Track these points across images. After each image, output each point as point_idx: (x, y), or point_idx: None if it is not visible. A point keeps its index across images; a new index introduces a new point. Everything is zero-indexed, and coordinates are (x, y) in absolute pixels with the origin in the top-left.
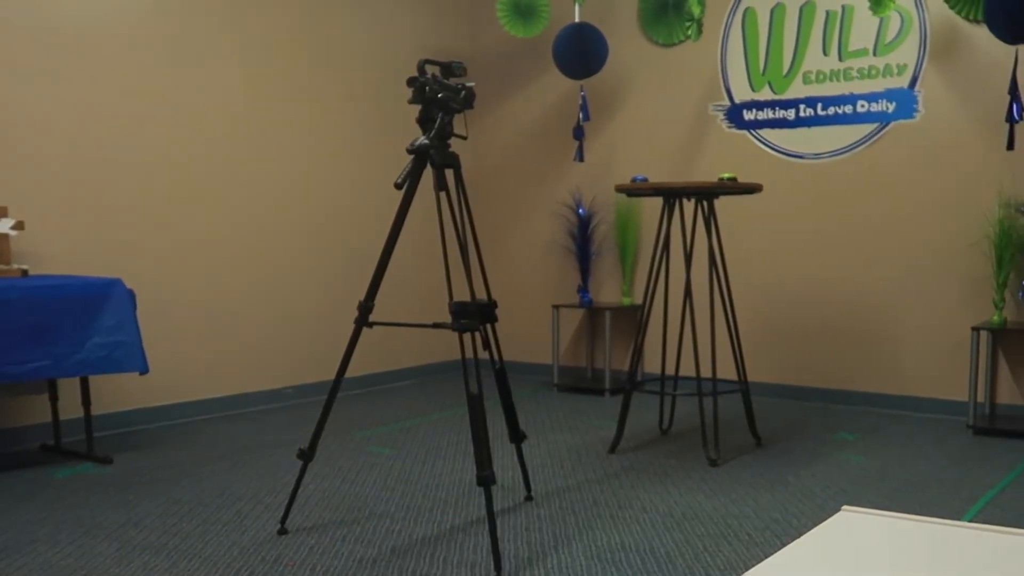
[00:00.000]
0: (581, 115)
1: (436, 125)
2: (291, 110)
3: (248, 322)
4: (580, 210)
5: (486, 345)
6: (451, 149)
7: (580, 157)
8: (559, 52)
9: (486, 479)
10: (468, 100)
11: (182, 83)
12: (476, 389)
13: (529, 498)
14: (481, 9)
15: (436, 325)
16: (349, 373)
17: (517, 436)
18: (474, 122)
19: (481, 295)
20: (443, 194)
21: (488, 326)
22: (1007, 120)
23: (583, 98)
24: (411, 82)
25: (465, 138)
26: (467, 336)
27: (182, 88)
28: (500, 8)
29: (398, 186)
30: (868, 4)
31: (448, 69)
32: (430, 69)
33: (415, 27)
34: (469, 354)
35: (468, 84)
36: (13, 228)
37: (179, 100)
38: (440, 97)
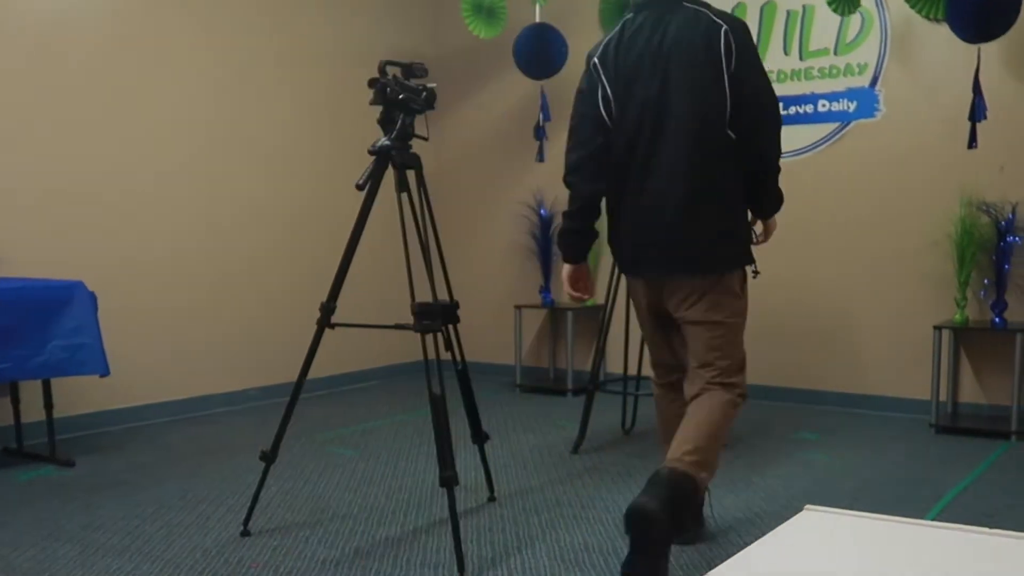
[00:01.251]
0: (542, 115)
1: (397, 126)
2: (251, 111)
3: (210, 324)
4: (542, 211)
5: (448, 346)
6: (412, 150)
7: (541, 157)
8: (519, 52)
9: (449, 480)
10: (429, 101)
11: (143, 85)
12: (438, 390)
13: (492, 499)
14: (442, 10)
15: (398, 326)
16: (312, 374)
17: (480, 437)
18: (436, 123)
19: (443, 296)
20: (404, 195)
21: (450, 327)
22: (970, 119)
23: (543, 98)
24: (372, 83)
25: (426, 139)
26: (429, 337)
27: (142, 90)
28: (464, 8)
29: (359, 187)
30: (830, 4)
31: (409, 70)
32: (391, 70)
33: (376, 28)
34: (431, 355)
35: (430, 85)
36: None
37: (139, 102)
38: (401, 98)
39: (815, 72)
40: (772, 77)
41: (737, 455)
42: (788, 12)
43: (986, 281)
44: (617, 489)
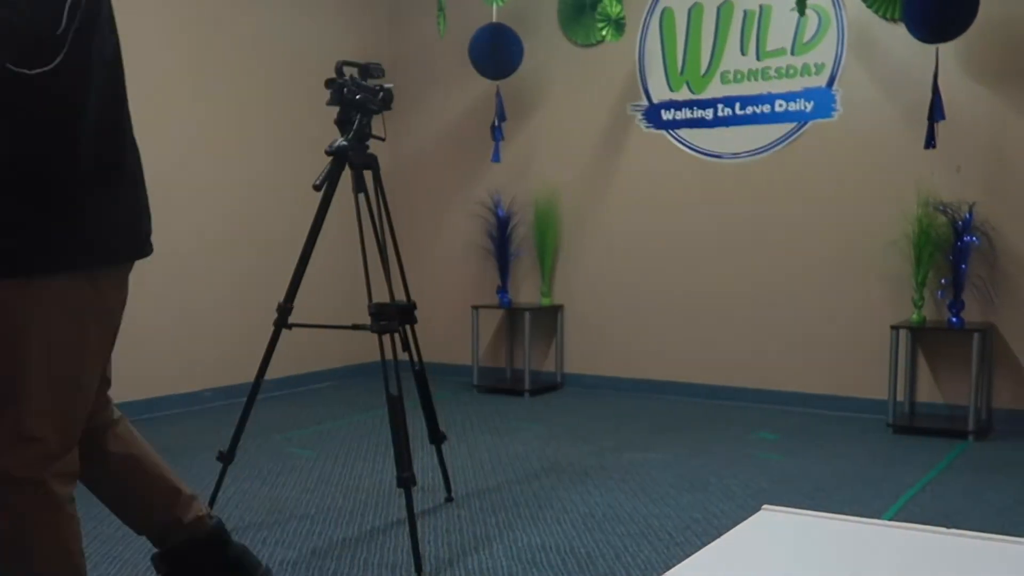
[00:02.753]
0: (497, 116)
1: (354, 127)
2: (206, 109)
3: (166, 325)
4: (499, 211)
5: (405, 346)
6: (370, 150)
7: (496, 158)
8: (475, 52)
9: (406, 481)
10: (386, 101)
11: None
12: (396, 391)
13: (449, 499)
14: (399, 10)
15: (355, 327)
16: (269, 375)
17: (437, 437)
18: (393, 123)
19: (400, 296)
20: (361, 195)
21: (407, 327)
22: (929, 119)
23: (499, 98)
24: (329, 83)
25: (383, 139)
26: (386, 337)
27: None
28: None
29: (316, 188)
30: (792, 5)
31: (366, 70)
32: (348, 70)
33: (333, 27)
34: (389, 356)
35: (387, 85)
36: None
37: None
38: (358, 99)
39: (772, 72)
40: (729, 77)
41: (694, 455)
42: (745, 12)
43: (943, 281)
44: (575, 489)
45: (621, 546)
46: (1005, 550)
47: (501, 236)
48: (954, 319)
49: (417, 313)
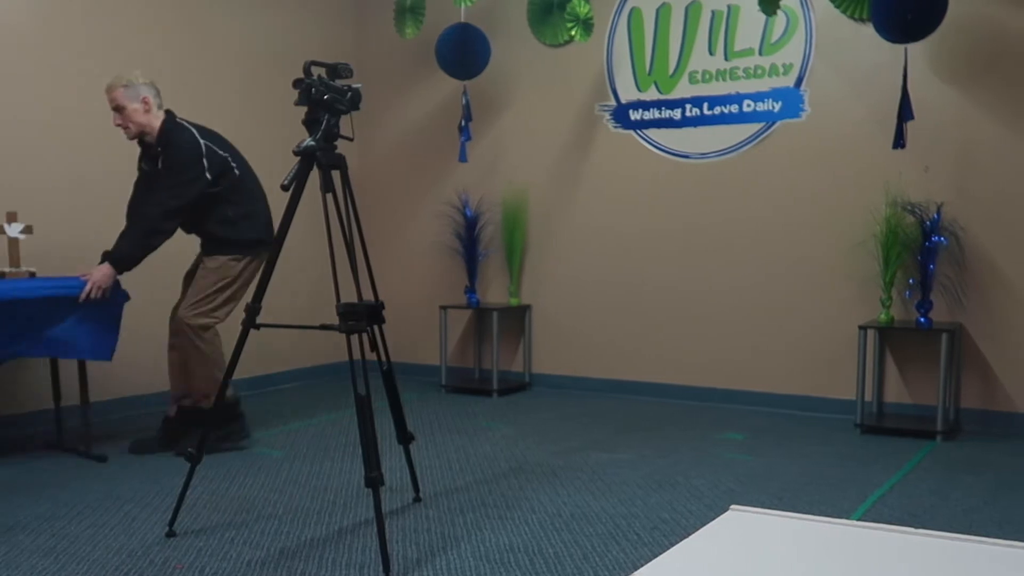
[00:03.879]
0: (464, 116)
1: (322, 127)
2: (177, 110)
3: (132, 326)
4: (467, 211)
5: (373, 347)
6: (338, 151)
7: (463, 157)
8: (441, 53)
9: (374, 481)
10: (354, 102)
11: (56, 80)
12: (364, 391)
13: (417, 499)
14: (367, 9)
15: (324, 327)
16: (237, 375)
17: (405, 437)
18: (360, 123)
19: (368, 296)
20: (330, 195)
21: (376, 327)
22: (899, 119)
23: (465, 98)
24: (297, 84)
25: (351, 139)
26: (354, 337)
27: (57, 85)
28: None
29: (284, 188)
30: (758, 5)
31: (334, 71)
32: (316, 71)
33: (300, 28)
34: (357, 356)
35: (355, 86)
36: (23, 232)
37: (52, 97)
38: (326, 99)
39: (740, 72)
40: (697, 77)
41: (662, 455)
42: (713, 12)
43: (911, 281)
44: (543, 489)
45: (589, 546)
46: (972, 550)
47: (469, 236)
48: (922, 319)
49: (385, 313)
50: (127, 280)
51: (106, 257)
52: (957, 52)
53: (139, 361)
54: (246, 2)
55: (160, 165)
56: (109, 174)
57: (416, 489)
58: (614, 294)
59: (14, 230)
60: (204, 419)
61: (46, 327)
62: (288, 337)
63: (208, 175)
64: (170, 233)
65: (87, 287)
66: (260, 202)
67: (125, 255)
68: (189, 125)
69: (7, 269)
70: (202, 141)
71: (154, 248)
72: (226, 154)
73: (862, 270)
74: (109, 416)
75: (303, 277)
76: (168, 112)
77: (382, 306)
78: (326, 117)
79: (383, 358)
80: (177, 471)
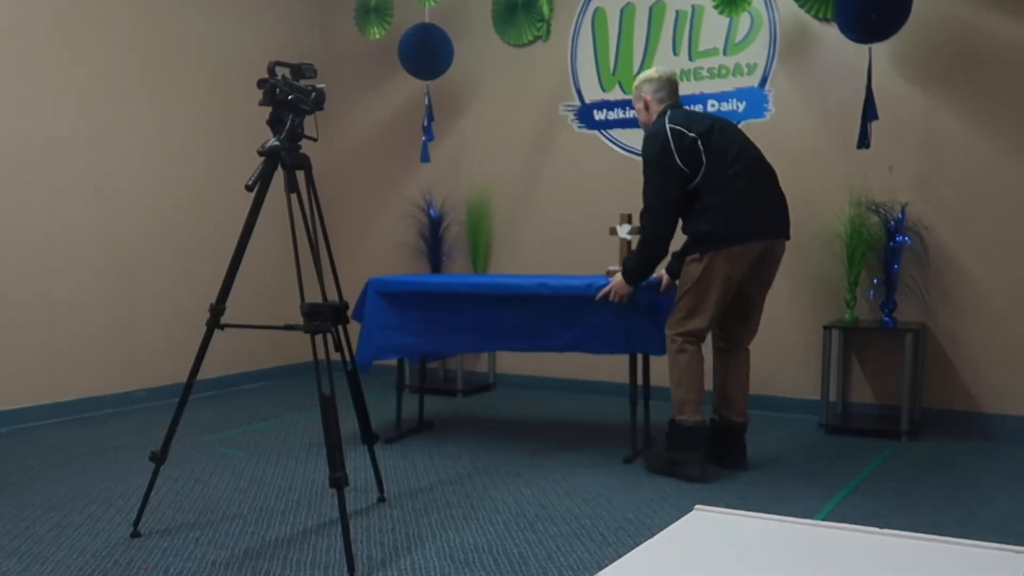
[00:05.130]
0: (427, 116)
1: (287, 127)
2: (139, 110)
3: (98, 324)
4: (431, 211)
5: (338, 347)
6: (302, 151)
7: (425, 158)
8: (404, 53)
9: (338, 481)
10: (319, 102)
11: (27, 79)
12: (328, 391)
13: (382, 499)
14: (331, 10)
15: (288, 327)
16: (201, 375)
17: (369, 437)
18: (325, 123)
19: (333, 297)
20: (294, 195)
21: (340, 328)
22: (864, 119)
23: (428, 98)
24: (261, 84)
25: (316, 139)
26: (319, 338)
27: (27, 84)
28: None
29: (249, 188)
30: (716, 5)
31: (298, 71)
32: (280, 71)
33: (265, 27)
34: (321, 356)
35: (319, 86)
36: (631, 233)
37: (23, 95)
38: (291, 99)
39: (704, 72)
40: None
41: (626, 455)
42: (677, 12)
43: (876, 281)
44: (507, 490)
45: (554, 546)
46: (936, 549)
47: (433, 236)
48: (887, 319)
49: (349, 313)
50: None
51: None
52: (921, 52)
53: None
54: (210, 2)
55: None
56: None
57: (381, 489)
58: None
59: (624, 231)
60: (677, 435)
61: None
62: (252, 337)
63: (679, 162)
64: (664, 236)
65: (606, 288)
66: (739, 190)
67: (629, 268)
68: (671, 111)
69: (614, 268)
70: (668, 126)
71: (657, 257)
72: (695, 135)
73: (826, 270)
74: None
75: (268, 277)
76: (668, 107)
77: (346, 306)
78: (290, 117)
79: (347, 358)
80: (141, 472)
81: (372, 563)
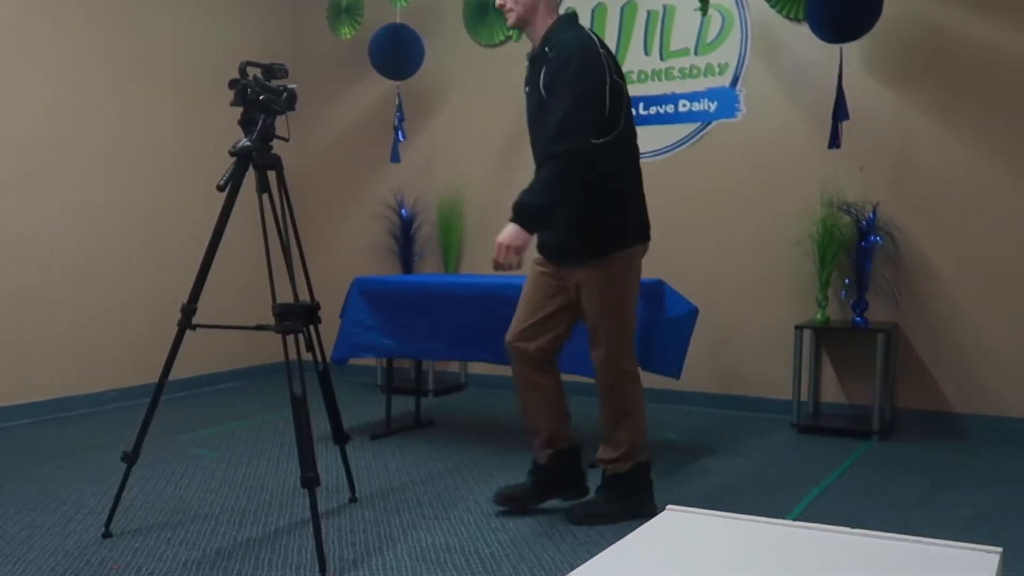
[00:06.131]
0: (397, 116)
1: (258, 127)
2: (109, 110)
3: (70, 324)
4: (403, 211)
5: (309, 347)
6: (273, 151)
7: (396, 158)
8: (375, 53)
9: (310, 481)
10: (290, 102)
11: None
12: (300, 391)
13: (354, 499)
14: (302, 10)
15: (260, 327)
16: (173, 375)
17: (341, 438)
18: (296, 124)
19: (305, 297)
20: (265, 196)
21: (311, 328)
22: (834, 119)
23: (399, 98)
24: (233, 84)
25: (287, 139)
26: (290, 338)
27: None
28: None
29: (220, 188)
30: (697, 5)
31: (270, 71)
32: (251, 71)
33: (236, 28)
34: (293, 356)
35: (290, 86)
36: None
37: None
38: (262, 99)
39: (676, 72)
40: (632, 78)
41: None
42: (648, 12)
43: (847, 281)
44: (479, 489)
45: (526, 546)
46: (908, 549)
47: (405, 237)
48: (858, 319)
49: (322, 314)
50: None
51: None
52: (892, 52)
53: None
54: (180, 2)
55: (545, 75)
56: None
57: (352, 489)
58: None
59: None
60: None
61: None
62: (225, 337)
63: (608, 96)
64: (586, 150)
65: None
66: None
67: (527, 203)
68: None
69: None
70: (597, 41)
71: (571, 183)
72: (620, 78)
73: (798, 270)
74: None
75: (240, 277)
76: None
77: (318, 306)
78: (262, 117)
79: (319, 358)
80: (113, 472)
81: (344, 563)
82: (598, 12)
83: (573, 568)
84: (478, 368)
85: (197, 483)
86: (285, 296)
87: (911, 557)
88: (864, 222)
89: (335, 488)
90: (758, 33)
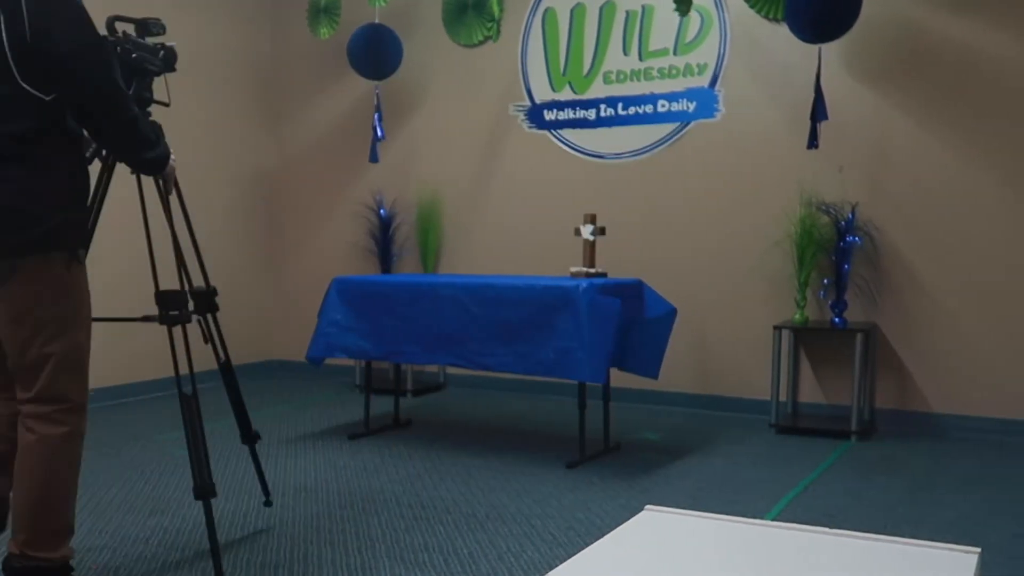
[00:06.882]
0: (376, 116)
1: (131, 91)
2: None
3: None
4: (381, 211)
5: (207, 339)
6: (152, 118)
7: (374, 158)
8: (353, 53)
9: (205, 491)
10: (168, 62)
11: None
12: (190, 390)
13: (268, 503)
14: (281, 10)
15: (145, 318)
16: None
17: (250, 436)
18: (276, 123)
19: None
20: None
21: (209, 317)
22: (812, 119)
23: (377, 98)
24: None
25: (167, 104)
26: (178, 330)
27: None
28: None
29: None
30: (674, 6)
31: (144, 27)
32: (121, 27)
33: (216, 28)
34: (181, 349)
35: (168, 44)
36: (594, 234)
37: None
38: (134, 58)
39: (655, 72)
40: (612, 77)
41: (577, 455)
42: (627, 12)
43: (826, 281)
44: (457, 489)
45: (504, 546)
46: (887, 549)
47: (384, 236)
48: (837, 319)
49: (302, 313)
50: None
51: None
52: (871, 52)
53: None
54: (159, 2)
55: None
56: None
57: (266, 492)
58: None
59: (587, 231)
60: None
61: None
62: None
63: None
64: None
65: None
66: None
67: (156, 156)
68: None
69: (576, 268)
70: None
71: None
72: None
73: (777, 270)
74: None
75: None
76: None
77: (215, 292)
78: (135, 80)
79: (219, 351)
80: (89, 470)
81: (322, 563)
82: (577, 12)
83: (552, 568)
84: (457, 368)
85: (176, 483)
86: (170, 281)
87: (890, 557)
88: (843, 222)
89: (314, 488)
90: (737, 33)
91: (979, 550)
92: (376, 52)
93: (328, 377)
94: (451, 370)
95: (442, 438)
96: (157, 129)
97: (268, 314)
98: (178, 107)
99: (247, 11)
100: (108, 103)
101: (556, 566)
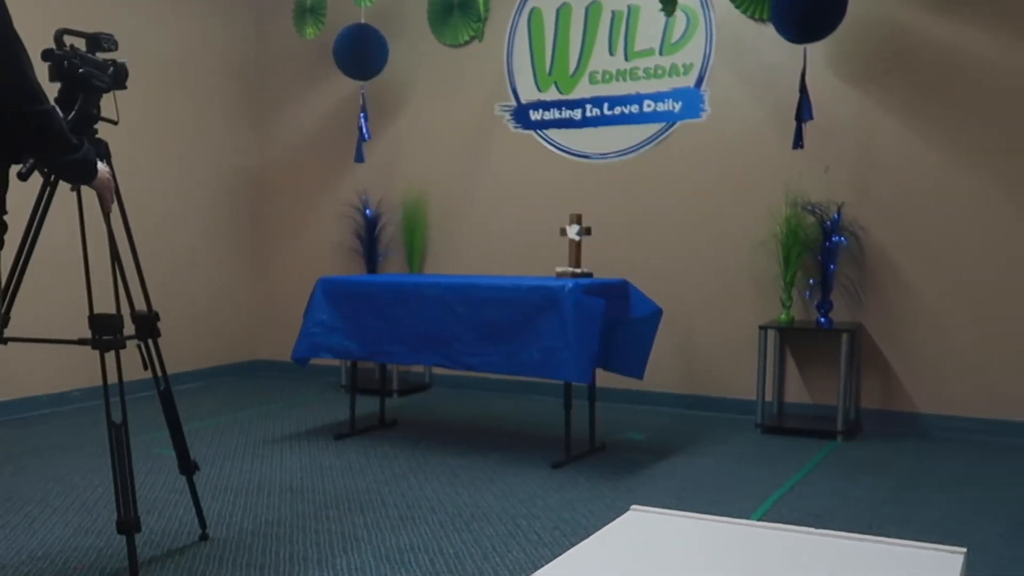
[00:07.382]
0: (361, 116)
1: (76, 108)
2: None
3: (34, 324)
4: (367, 211)
5: (147, 364)
6: (98, 135)
7: (360, 158)
8: (339, 53)
9: (128, 525)
10: (118, 78)
11: None
12: (119, 418)
13: (204, 536)
14: (267, 10)
15: (80, 341)
16: (140, 375)
17: (188, 467)
18: (261, 124)
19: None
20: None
21: (149, 342)
22: (797, 119)
23: (363, 98)
24: (47, 56)
25: (115, 123)
26: (111, 356)
27: None
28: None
29: (22, 177)
30: (660, 6)
31: (95, 41)
32: (70, 40)
33: (200, 28)
34: (114, 376)
35: (120, 60)
36: (579, 234)
37: None
38: (81, 73)
39: (640, 72)
40: (597, 77)
41: (562, 455)
42: (613, 12)
43: (811, 281)
44: (443, 490)
45: (490, 546)
46: (872, 549)
47: (369, 237)
48: (822, 319)
49: (288, 313)
50: None
51: None
52: (857, 52)
53: None
54: (144, 1)
55: None
56: None
57: (203, 526)
58: None
59: (573, 231)
60: None
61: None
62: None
63: None
64: None
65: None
66: None
67: (92, 159)
68: None
69: (562, 268)
70: None
71: None
72: None
73: (762, 270)
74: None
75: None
76: None
77: (156, 317)
78: (82, 96)
79: (159, 376)
80: (79, 471)
81: (308, 563)
82: (563, 12)
83: (538, 568)
84: (442, 369)
85: (161, 483)
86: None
87: (876, 557)
88: (828, 222)
89: (300, 488)
90: (723, 33)
91: (965, 550)
92: (362, 52)
93: (314, 377)
94: (437, 370)
95: (428, 438)
96: (103, 147)
97: (254, 314)
98: (164, 107)
99: (232, 11)
100: (18, 95)
101: (542, 566)
